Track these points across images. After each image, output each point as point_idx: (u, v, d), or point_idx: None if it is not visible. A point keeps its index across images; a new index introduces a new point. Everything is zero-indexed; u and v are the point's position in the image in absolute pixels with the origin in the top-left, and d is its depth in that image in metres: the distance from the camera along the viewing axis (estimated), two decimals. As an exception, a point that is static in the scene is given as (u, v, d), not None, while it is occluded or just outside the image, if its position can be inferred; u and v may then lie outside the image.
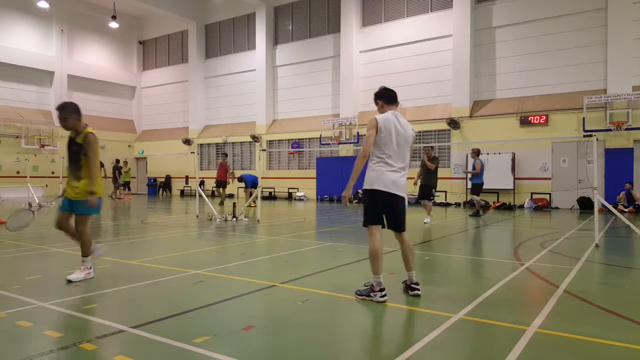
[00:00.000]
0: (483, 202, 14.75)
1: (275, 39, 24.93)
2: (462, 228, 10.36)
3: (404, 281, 4.44)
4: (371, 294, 4.12)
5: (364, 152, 4.20)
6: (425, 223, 10.81)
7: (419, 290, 4.27)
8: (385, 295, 4.09)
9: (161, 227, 10.69)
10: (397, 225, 4.29)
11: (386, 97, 4.42)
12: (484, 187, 13.50)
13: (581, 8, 16.79)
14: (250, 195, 17.72)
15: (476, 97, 18.94)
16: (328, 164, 22.34)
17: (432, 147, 11.87)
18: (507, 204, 17.03)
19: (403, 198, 4.28)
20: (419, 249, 7.22)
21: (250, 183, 17.10)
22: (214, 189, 19.32)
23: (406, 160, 4.32)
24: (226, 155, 18.98)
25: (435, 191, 11.83)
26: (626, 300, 4.31)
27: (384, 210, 4.25)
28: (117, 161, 22.07)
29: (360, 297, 4.17)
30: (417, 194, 11.75)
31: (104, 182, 5.22)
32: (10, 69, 24.57)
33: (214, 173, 26.14)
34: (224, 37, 27.16)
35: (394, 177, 4.19)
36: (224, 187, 17.83)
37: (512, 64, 18.22)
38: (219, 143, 26.81)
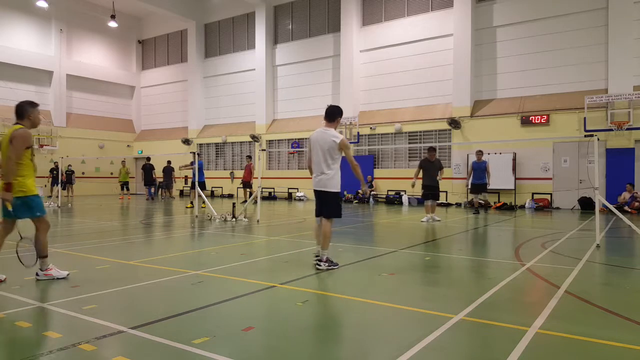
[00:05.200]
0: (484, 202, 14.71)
1: (275, 38, 24.89)
2: (463, 228, 10.34)
3: (316, 255, 5.69)
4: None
5: (306, 164, 6.02)
6: (422, 222, 11.11)
7: (320, 264, 5.40)
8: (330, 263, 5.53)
9: (160, 227, 10.68)
10: (322, 212, 5.64)
11: (325, 115, 5.64)
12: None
13: (582, 7, 16.74)
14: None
15: (477, 96, 18.91)
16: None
17: (434, 149, 11.64)
18: (508, 204, 17.01)
19: (324, 192, 5.56)
20: (420, 249, 7.21)
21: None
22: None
23: (322, 165, 5.54)
24: (250, 157, 19.34)
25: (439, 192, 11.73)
26: (627, 301, 4.30)
27: (317, 202, 5.73)
28: (169, 162, 22.23)
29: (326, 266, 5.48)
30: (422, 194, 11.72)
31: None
32: (9, 69, 24.52)
33: (213, 173, 26.36)
34: (224, 37, 27.12)
35: (316, 178, 5.62)
36: (250, 187, 18.42)
37: (513, 63, 18.19)
38: (218, 143, 26.78)
